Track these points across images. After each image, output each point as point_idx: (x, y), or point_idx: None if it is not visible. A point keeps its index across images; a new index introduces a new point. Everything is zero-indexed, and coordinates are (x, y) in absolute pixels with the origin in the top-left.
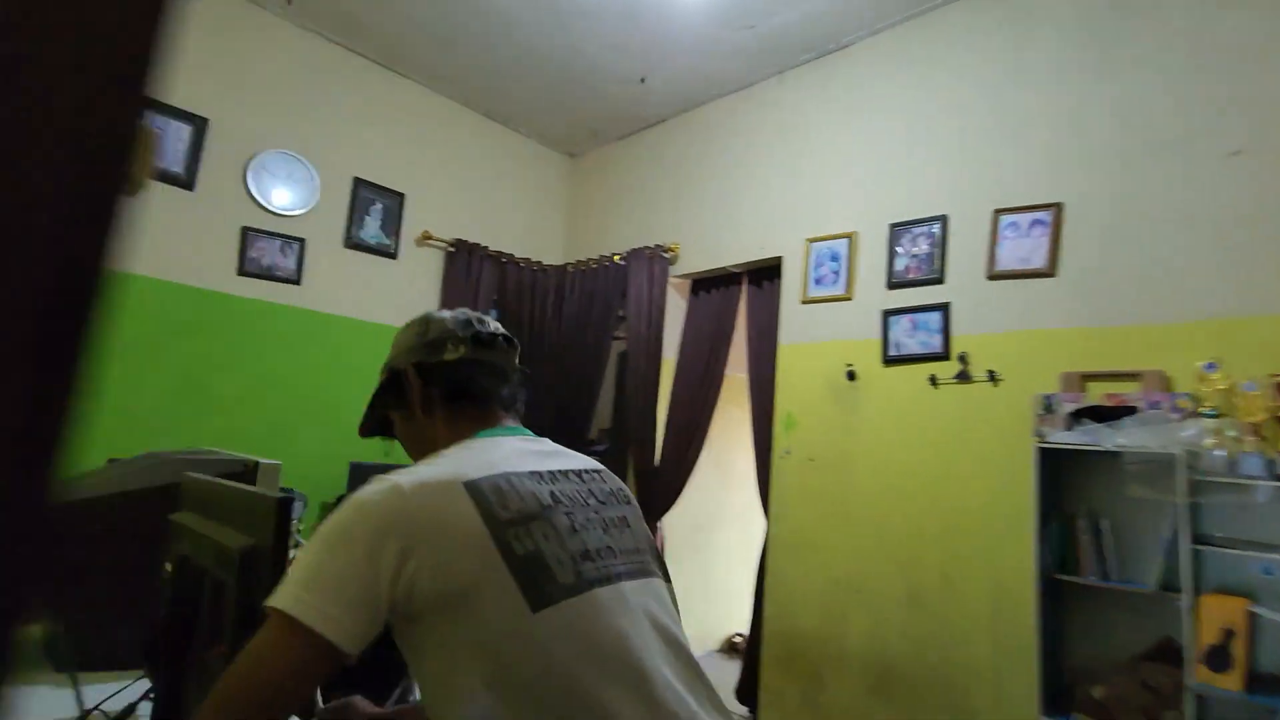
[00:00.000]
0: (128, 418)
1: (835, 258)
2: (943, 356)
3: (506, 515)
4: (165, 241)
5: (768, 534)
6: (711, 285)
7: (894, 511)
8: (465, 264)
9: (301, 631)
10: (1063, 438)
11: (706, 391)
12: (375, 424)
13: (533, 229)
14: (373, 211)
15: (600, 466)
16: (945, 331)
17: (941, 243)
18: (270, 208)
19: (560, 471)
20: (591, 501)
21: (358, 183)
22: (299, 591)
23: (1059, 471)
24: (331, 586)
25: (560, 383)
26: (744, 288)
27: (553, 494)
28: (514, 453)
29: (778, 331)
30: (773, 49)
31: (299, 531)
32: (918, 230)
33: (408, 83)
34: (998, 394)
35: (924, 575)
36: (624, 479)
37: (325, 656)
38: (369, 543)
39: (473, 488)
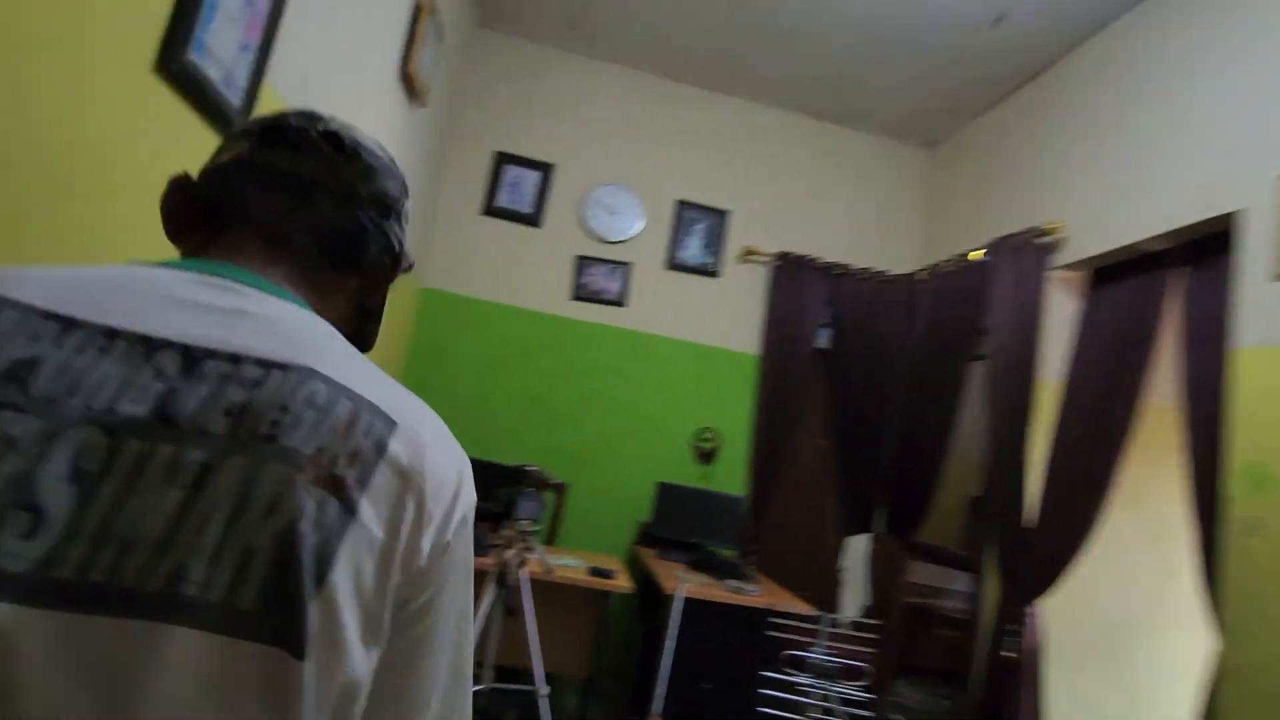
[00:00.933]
0: (486, 424)
1: None
2: None
3: None
4: (517, 273)
5: (1220, 658)
6: (1117, 274)
7: None
8: (791, 278)
9: None
10: None
11: (1110, 426)
12: None
13: (877, 235)
14: (694, 231)
15: (294, 363)
16: None
17: None
18: (601, 236)
19: (128, 333)
20: (131, 410)
21: (680, 205)
22: None
23: None
24: None
25: (905, 424)
26: (1172, 273)
27: (26, 363)
28: (107, 286)
29: (1230, 332)
30: None
31: (533, 534)
32: None
33: (730, 99)
34: None
35: None
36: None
37: None
38: None
39: None
